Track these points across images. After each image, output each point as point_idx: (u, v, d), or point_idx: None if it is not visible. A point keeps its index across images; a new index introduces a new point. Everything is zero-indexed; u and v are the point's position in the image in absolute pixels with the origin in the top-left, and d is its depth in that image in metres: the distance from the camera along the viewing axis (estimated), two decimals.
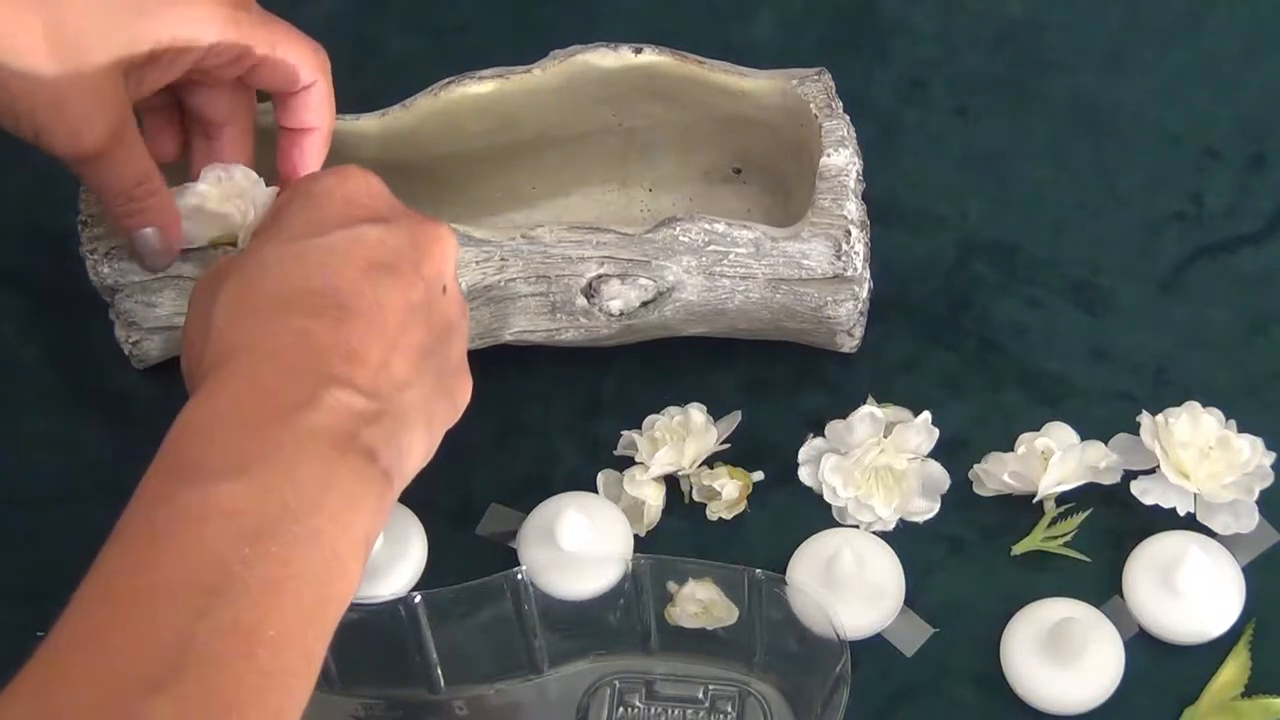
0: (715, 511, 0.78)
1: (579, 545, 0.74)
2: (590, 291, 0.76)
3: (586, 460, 0.79)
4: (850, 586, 0.74)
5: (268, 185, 0.76)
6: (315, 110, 0.75)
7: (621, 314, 0.76)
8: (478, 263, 0.76)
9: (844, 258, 0.75)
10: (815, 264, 0.75)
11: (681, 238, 0.75)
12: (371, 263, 0.63)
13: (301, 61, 0.74)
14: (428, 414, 0.63)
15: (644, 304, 0.76)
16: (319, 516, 0.57)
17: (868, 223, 0.78)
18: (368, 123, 0.80)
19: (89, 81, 0.68)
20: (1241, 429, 0.76)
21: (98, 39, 0.68)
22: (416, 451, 0.63)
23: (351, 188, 0.66)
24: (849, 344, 0.80)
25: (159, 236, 0.74)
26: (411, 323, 0.63)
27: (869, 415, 0.77)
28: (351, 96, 0.82)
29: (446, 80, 0.80)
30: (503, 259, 0.76)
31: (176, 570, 0.54)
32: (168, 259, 0.75)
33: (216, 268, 0.65)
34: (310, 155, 0.76)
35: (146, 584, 0.54)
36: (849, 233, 0.75)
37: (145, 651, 0.52)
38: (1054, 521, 0.76)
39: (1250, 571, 0.74)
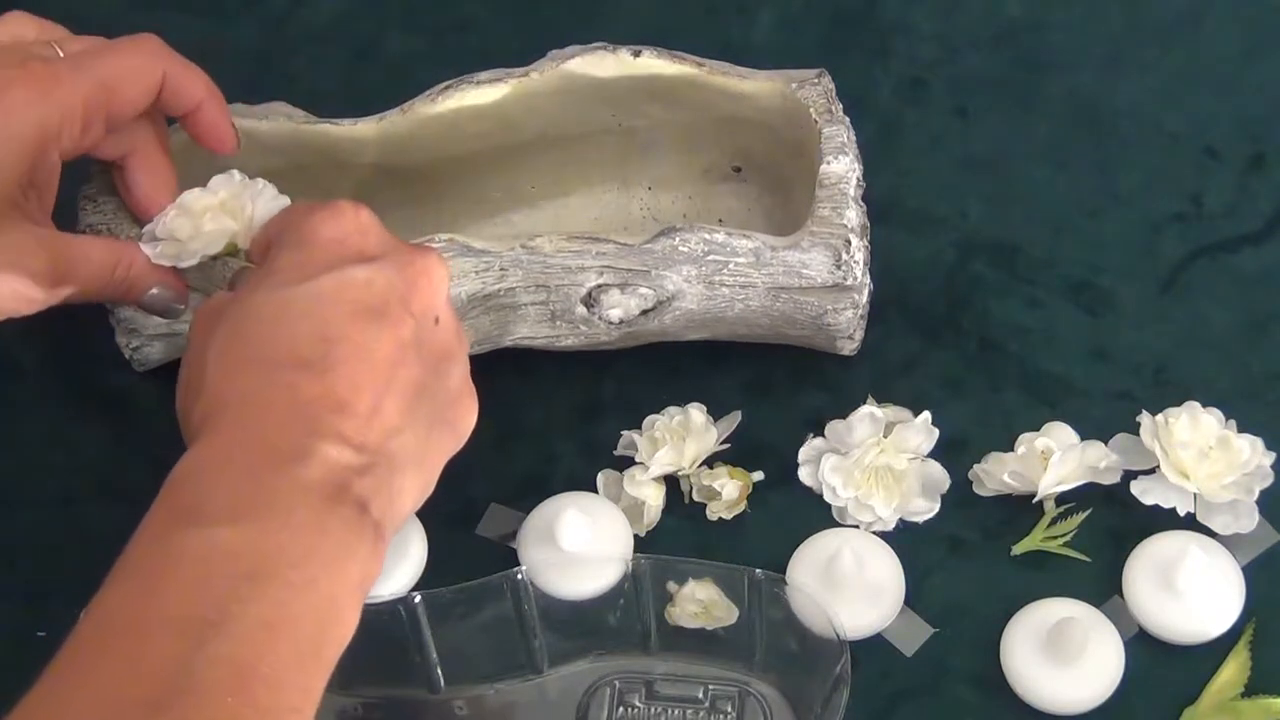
0: (715, 511, 0.78)
1: (579, 545, 0.74)
2: (590, 301, 0.76)
3: (586, 460, 0.79)
4: (850, 586, 0.74)
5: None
6: (186, 91, 0.75)
7: (621, 323, 0.76)
8: (477, 272, 0.76)
9: (844, 266, 0.75)
10: (815, 273, 0.75)
11: (681, 247, 0.75)
12: (359, 306, 0.63)
13: (135, 75, 0.73)
14: (421, 455, 0.64)
15: (644, 313, 0.76)
16: (313, 564, 0.57)
17: (868, 226, 0.78)
18: (365, 127, 0.80)
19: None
20: (1241, 429, 0.76)
21: None
22: (409, 496, 0.63)
23: (340, 226, 0.65)
24: (849, 348, 0.80)
25: (164, 291, 0.74)
26: (402, 362, 0.63)
27: (869, 415, 0.77)
28: (351, 97, 0.83)
29: (445, 84, 0.79)
30: (502, 269, 0.76)
31: (175, 604, 0.55)
32: (184, 302, 0.75)
33: (212, 305, 0.65)
34: (213, 123, 0.76)
35: (145, 616, 0.54)
36: (849, 242, 0.75)
37: (143, 677, 0.53)
38: (1054, 521, 0.76)
39: (1250, 571, 0.74)
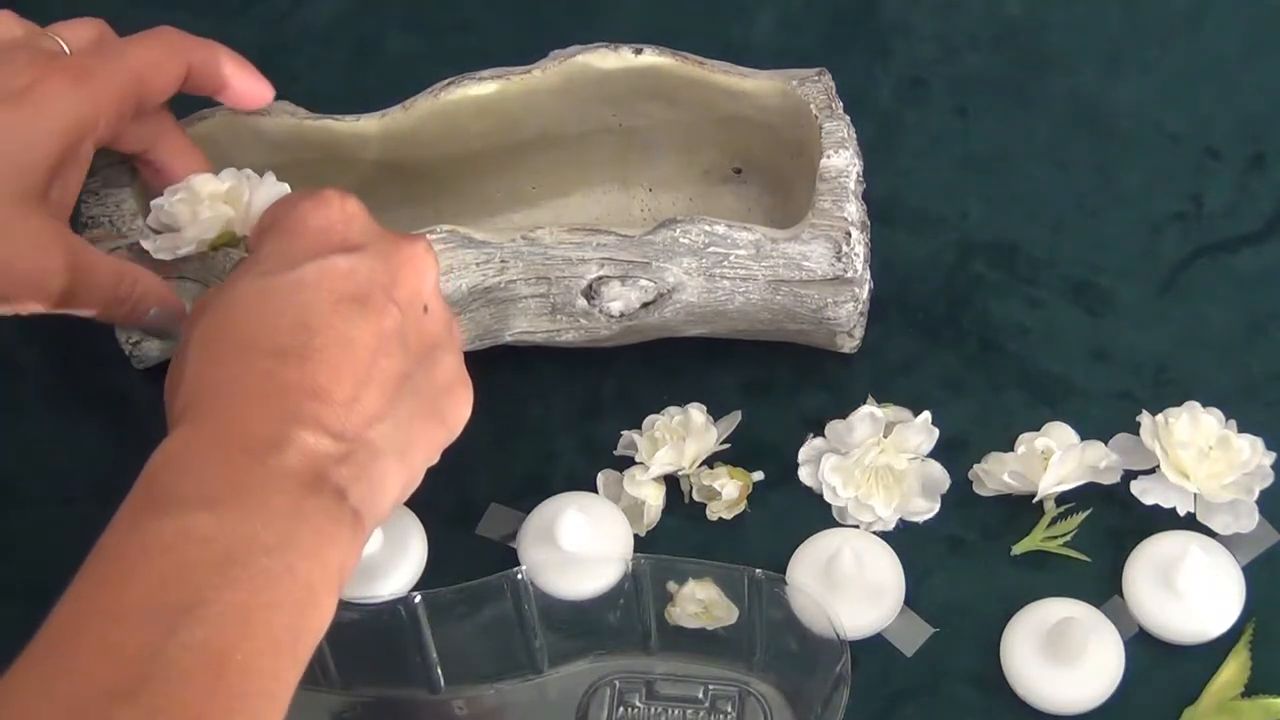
0: (715, 511, 0.78)
1: (579, 545, 0.74)
2: (591, 293, 0.76)
3: (586, 460, 0.79)
4: (850, 586, 0.74)
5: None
6: (212, 72, 0.76)
7: (622, 315, 0.76)
8: (478, 264, 0.76)
9: (844, 259, 0.75)
10: (815, 266, 0.75)
11: (682, 239, 0.75)
12: (341, 295, 0.63)
13: (162, 65, 0.73)
14: (405, 445, 0.63)
15: (644, 305, 0.76)
16: (290, 551, 0.57)
17: (868, 223, 0.78)
18: (368, 123, 0.80)
19: (20, 233, 0.69)
20: (1241, 429, 0.76)
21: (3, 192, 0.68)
22: (392, 485, 0.63)
23: (326, 215, 0.65)
24: (849, 345, 0.80)
25: (163, 312, 0.75)
26: (385, 352, 0.63)
27: (869, 415, 0.77)
28: (352, 96, 0.82)
29: (447, 80, 0.80)
30: (503, 261, 0.76)
31: (147, 591, 0.55)
32: (181, 320, 0.76)
33: (203, 300, 0.65)
34: (246, 91, 0.77)
35: (117, 603, 0.54)
36: (849, 234, 0.75)
37: (114, 664, 0.53)
38: (1054, 521, 0.76)
39: (1250, 571, 0.74)
